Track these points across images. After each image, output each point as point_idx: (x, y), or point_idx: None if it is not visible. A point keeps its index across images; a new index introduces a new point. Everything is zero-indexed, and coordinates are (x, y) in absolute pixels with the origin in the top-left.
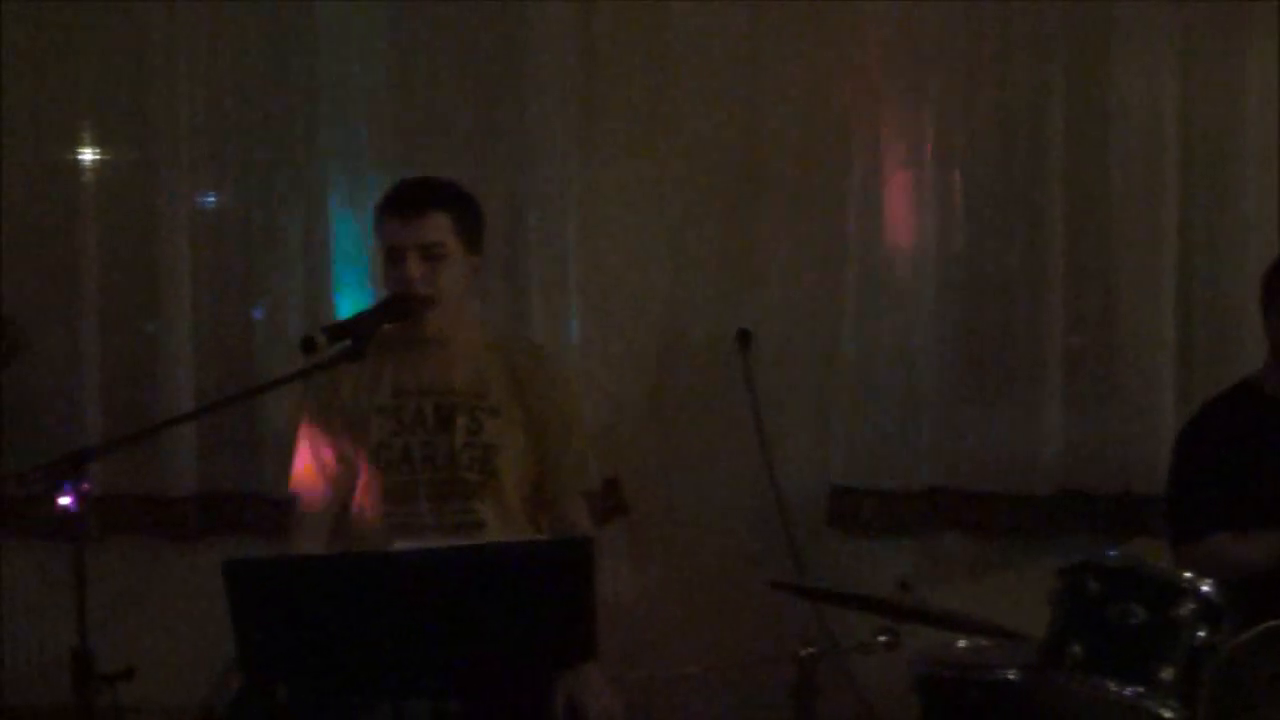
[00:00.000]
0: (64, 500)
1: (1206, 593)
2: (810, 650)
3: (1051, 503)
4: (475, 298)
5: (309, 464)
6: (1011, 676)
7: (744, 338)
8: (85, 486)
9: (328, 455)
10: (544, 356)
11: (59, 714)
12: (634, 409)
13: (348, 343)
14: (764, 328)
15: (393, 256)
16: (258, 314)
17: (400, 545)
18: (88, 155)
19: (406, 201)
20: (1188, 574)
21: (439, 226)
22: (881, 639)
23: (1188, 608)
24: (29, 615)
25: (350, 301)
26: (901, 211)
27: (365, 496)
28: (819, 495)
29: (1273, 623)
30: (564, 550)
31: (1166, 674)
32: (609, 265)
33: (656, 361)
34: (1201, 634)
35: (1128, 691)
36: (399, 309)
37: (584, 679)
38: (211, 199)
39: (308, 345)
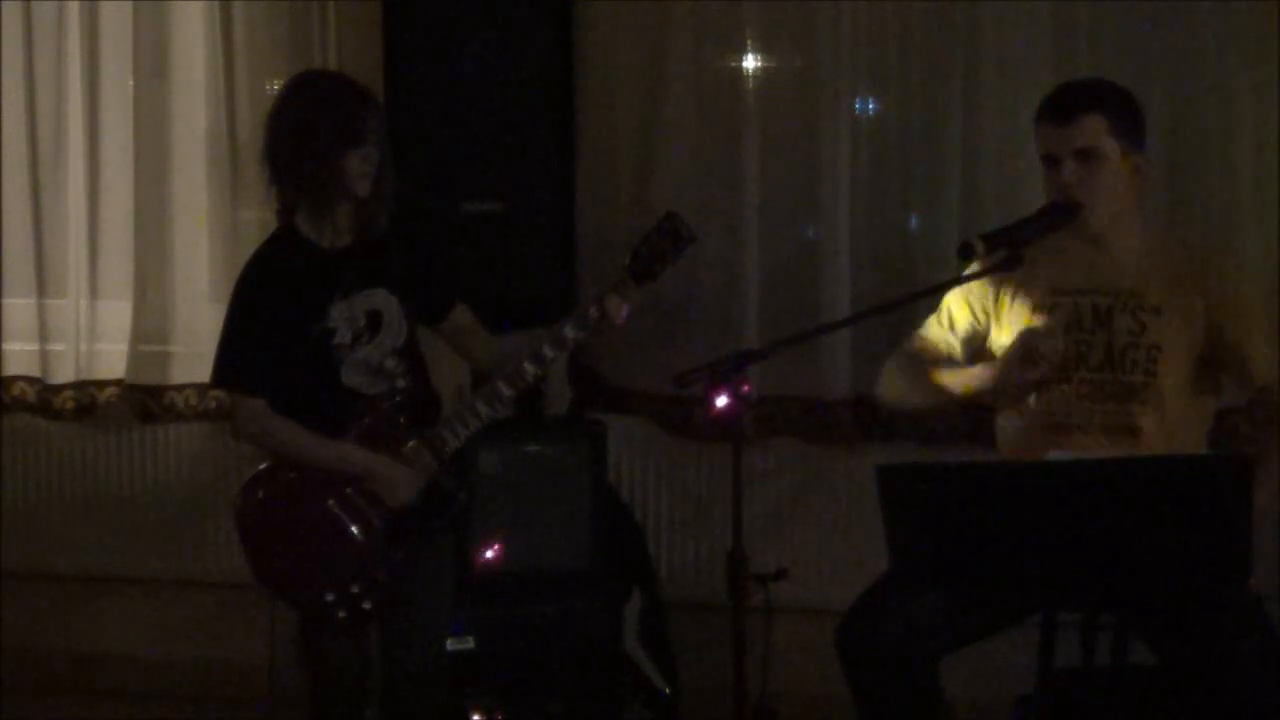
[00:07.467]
0: (723, 401)
1: None
2: None
3: None
4: (1139, 195)
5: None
6: None
7: None
8: (745, 388)
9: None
10: (1214, 250)
11: (713, 611)
12: None
13: (1004, 251)
14: None
15: (1049, 163)
16: (914, 221)
17: (1055, 454)
18: (750, 62)
19: (1059, 107)
20: None
21: (1093, 130)
22: None
23: None
24: (685, 512)
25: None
26: None
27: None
28: None
29: None
30: (1222, 466)
31: None
32: None
33: None
34: None
35: None
36: (1056, 217)
37: None
38: (871, 106)
39: (965, 251)
